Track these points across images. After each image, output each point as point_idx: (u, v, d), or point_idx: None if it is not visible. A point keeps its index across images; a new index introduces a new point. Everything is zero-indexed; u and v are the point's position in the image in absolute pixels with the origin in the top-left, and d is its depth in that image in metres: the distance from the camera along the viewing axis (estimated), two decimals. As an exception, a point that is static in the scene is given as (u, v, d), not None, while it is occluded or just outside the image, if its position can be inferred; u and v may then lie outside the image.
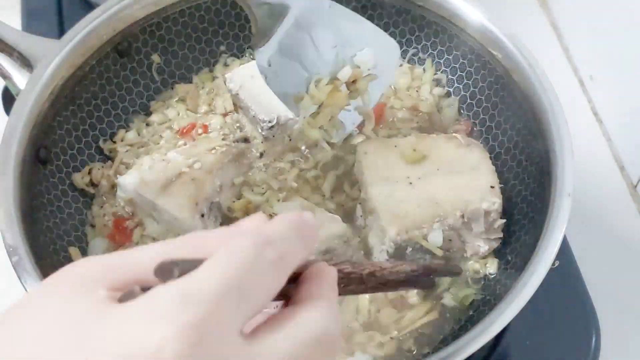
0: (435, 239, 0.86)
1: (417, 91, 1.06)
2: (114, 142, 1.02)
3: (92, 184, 0.97)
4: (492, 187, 0.89)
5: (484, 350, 0.93)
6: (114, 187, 0.96)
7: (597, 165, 1.25)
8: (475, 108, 1.03)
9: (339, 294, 0.56)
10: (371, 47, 0.89)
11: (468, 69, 1.03)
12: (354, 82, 0.88)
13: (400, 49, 1.10)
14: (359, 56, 0.88)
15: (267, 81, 0.85)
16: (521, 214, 0.90)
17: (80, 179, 0.96)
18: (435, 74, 1.07)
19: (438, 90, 1.06)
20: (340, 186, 0.97)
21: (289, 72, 0.86)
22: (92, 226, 0.95)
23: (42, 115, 0.91)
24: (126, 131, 1.04)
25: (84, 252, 0.92)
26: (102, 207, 0.97)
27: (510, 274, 0.83)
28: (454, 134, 0.97)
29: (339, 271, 0.56)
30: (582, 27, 1.36)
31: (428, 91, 1.06)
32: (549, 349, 0.96)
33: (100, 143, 1.01)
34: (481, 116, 1.02)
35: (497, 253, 0.91)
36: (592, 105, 1.32)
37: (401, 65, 1.09)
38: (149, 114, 1.06)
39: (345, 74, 0.87)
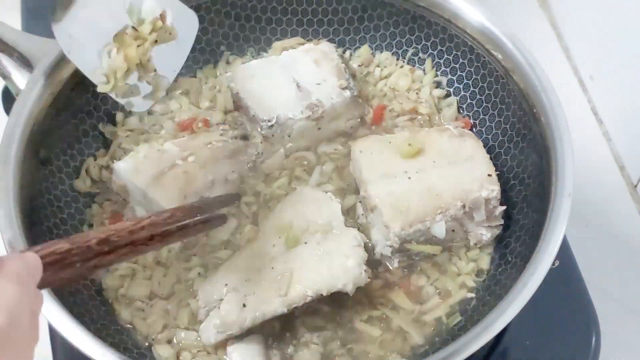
0: (439, 230, 0.87)
1: (417, 93, 1.06)
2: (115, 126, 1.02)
3: (93, 180, 0.97)
4: (489, 175, 0.89)
5: (484, 350, 0.93)
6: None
7: (597, 166, 1.25)
8: (475, 108, 1.03)
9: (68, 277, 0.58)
10: (171, 12, 0.95)
11: (468, 69, 1.03)
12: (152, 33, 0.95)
13: (400, 49, 1.10)
14: (144, 6, 0.93)
15: (71, 56, 0.89)
16: (521, 214, 0.90)
17: (82, 183, 0.96)
18: (436, 76, 1.07)
19: (438, 92, 1.06)
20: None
21: (91, 40, 0.91)
22: (90, 225, 0.95)
23: (42, 115, 0.91)
24: (125, 117, 1.03)
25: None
26: (101, 205, 0.97)
27: (510, 274, 0.83)
28: (446, 126, 0.97)
29: (51, 254, 0.56)
30: (582, 27, 1.36)
31: (428, 93, 1.06)
32: (549, 349, 0.96)
33: (101, 127, 1.01)
34: (481, 116, 1.02)
35: (496, 252, 0.91)
36: (592, 105, 1.32)
37: (402, 66, 1.09)
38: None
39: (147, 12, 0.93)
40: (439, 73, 1.07)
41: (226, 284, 0.83)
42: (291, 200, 0.91)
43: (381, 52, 1.10)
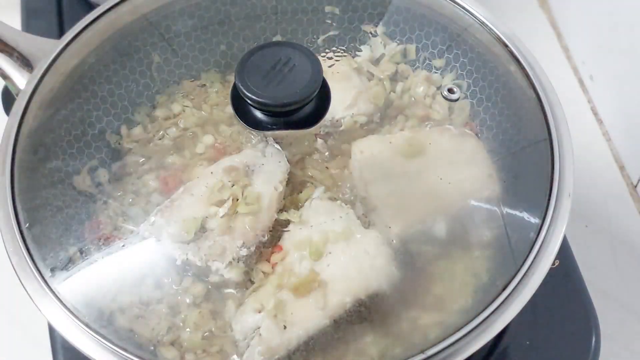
0: (440, 231, 0.86)
1: (433, 99, 1.02)
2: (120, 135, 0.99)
3: (94, 181, 0.97)
4: (489, 175, 0.89)
5: (484, 350, 0.93)
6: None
7: (597, 166, 1.25)
8: (475, 107, 1.03)
9: None
10: None
11: (468, 67, 1.03)
12: None
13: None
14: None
15: None
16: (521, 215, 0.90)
17: (82, 182, 0.96)
18: (456, 79, 1.04)
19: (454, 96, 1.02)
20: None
21: None
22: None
23: (42, 115, 0.90)
24: (129, 129, 0.99)
25: (84, 252, 0.92)
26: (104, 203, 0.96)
27: (511, 274, 0.83)
28: (447, 126, 0.97)
29: None
30: (582, 27, 1.36)
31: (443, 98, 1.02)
32: (549, 348, 0.96)
33: (107, 136, 0.98)
34: (482, 115, 1.02)
35: (497, 253, 0.91)
36: (593, 105, 1.32)
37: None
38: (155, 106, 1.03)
39: None
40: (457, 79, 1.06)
41: (259, 311, 0.81)
42: (302, 217, 0.89)
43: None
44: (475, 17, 0.97)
